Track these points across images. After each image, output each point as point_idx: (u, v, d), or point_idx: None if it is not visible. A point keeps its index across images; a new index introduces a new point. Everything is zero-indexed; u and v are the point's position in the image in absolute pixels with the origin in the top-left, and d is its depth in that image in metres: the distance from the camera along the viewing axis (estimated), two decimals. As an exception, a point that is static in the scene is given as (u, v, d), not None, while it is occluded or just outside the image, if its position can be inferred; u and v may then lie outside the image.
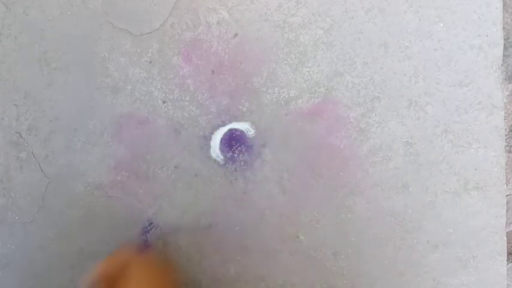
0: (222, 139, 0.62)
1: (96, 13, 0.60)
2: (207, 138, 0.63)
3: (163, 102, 0.62)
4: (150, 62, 0.61)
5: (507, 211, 0.66)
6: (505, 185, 0.65)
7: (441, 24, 0.63)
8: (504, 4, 0.64)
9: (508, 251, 0.68)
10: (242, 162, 0.63)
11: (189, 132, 0.62)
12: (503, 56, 0.64)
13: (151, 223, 0.62)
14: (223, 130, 0.63)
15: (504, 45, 0.64)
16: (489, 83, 0.64)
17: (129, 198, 0.62)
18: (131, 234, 0.62)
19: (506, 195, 0.66)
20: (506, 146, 0.66)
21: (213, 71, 0.62)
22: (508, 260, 0.68)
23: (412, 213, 0.65)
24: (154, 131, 0.62)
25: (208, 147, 0.63)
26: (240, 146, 0.63)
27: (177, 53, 0.61)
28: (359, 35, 0.63)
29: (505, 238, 0.66)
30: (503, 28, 0.64)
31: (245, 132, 0.63)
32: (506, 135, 0.67)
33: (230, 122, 0.63)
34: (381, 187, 0.64)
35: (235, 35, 0.62)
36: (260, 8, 0.62)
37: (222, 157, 0.63)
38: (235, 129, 0.63)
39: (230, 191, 0.63)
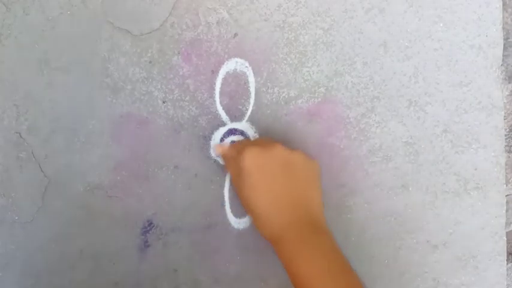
0: (222, 139, 0.62)
1: (96, 13, 0.60)
2: (207, 138, 0.63)
3: (163, 102, 0.62)
4: (150, 62, 0.61)
5: (507, 211, 0.66)
6: (505, 185, 0.65)
7: (441, 24, 0.63)
8: (504, 4, 0.64)
9: (508, 251, 0.68)
10: (242, 162, 0.63)
11: (189, 132, 0.62)
12: (503, 56, 0.64)
13: (151, 223, 0.62)
14: (223, 130, 0.63)
15: (504, 45, 0.64)
16: (489, 83, 0.64)
17: (129, 198, 0.62)
18: (131, 234, 0.62)
19: (506, 195, 0.66)
20: (506, 146, 0.66)
21: (212, 71, 0.62)
22: (508, 260, 0.68)
23: (412, 213, 0.65)
24: (154, 131, 0.62)
25: (208, 147, 0.63)
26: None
27: (177, 53, 0.61)
28: (359, 35, 0.63)
29: (505, 238, 0.66)
30: (503, 28, 0.64)
31: (245, 132, 0.63)
32: (506, 135, 0.67)
33: (230, 122, 0.63)
34: (381, 187, 0.64)
35: (235, 35, 0.62)
36: (260, 8, 0.62)
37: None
38: (235, 129, 0.63)
39: (230, 191, 0.63)
